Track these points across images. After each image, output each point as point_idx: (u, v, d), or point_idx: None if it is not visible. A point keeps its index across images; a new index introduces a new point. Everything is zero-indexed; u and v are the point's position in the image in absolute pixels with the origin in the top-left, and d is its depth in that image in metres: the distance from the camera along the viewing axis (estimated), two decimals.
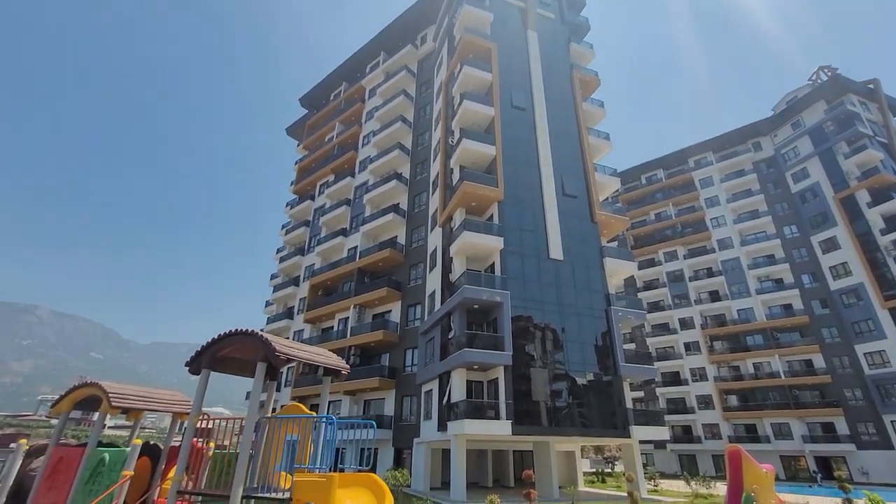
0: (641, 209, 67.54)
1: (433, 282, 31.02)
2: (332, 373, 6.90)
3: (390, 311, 35.91)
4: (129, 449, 6.57)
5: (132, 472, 6.40)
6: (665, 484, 32.80)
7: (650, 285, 62.41)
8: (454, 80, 33.88)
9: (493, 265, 27.62)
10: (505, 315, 24.49)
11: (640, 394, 54.95)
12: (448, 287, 28.17)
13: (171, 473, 7.83)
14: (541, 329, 25.63)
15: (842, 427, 43.11)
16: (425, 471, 25.75)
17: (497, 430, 21.99)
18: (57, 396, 8.34)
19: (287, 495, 5.32)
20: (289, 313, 46.04)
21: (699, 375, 54.38)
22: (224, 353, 6.52)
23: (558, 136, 32.81)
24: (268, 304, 50.74)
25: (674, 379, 56.33)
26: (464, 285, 24.54)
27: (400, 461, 29.69)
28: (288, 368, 41.44)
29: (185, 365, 6.50)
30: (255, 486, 6.23)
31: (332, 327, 39.33)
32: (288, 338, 45.53)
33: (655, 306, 60.26)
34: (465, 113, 30.90)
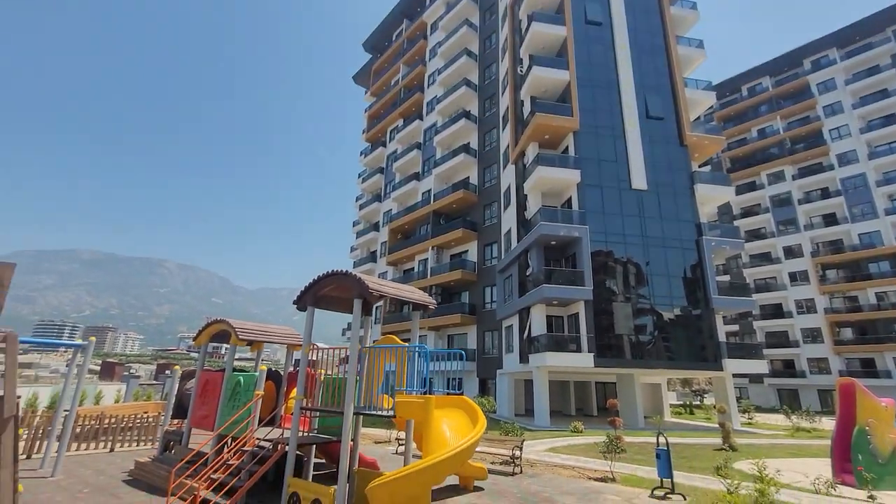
0: (741, 126, 59.63)
1: (508, 220, 30.85)
2: (419, 308, 7.43)
3: (467, 250, 36.64)
4: (257, 374, 7.82)
5: (262, 392, 7.66)
6: (761, 418, 31.56)
7: (749, 212, 56.39)
8: (520, 0, 31.23)
9: (569, 199, 26.66)
10: (584, 250, 23.89)
11: (735, 327, 51.83)
12: (524, 225, 27.89)
13: (292, 394, 9.20)
14: (623, 263, 24.74)
15: None
16: (509, 399, 27.21)
17: (578, 362, 22.33)
18: (191, 334, 9.89)
19: (391, 413, 6.07)
20: (372, 257, 48.88)
21: (806, 307, 49.62)
22: (324, 293, 7.29)
23: (641, 51, 29.43)
24: (352, 249, 54.17)
25: (775, 311, 52.02)
26: (539, 222, 24.13)
27: (485, 390, 31.60)
28: (376, 308, 44.84)
29: (294, 303, 7.41)
30: (362, 405, 7.14)
31: (413, 268, 41.24)
32: None
33: (755, 234, 54.75)
34: (535, 36, 28.67)
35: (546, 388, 23.22)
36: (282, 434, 7.40)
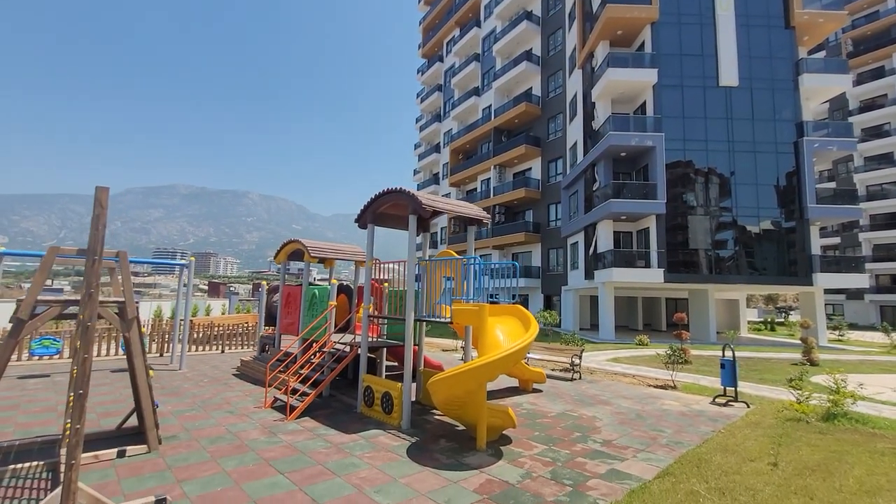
0: None
1: (574, 132, 28.94)
2: (474, 223, 7.54)
3: (530, 168, 35.39)
4: (330, 287, 8.63)
5: (335, 303, 8.49)
6: (855, 336, 29.32)
7: (871, 105, 47.55)
8: None
9: (643, 105, 24.19)
10: (657, 161, 22.05)
11: (836, 240, 46.69)
12: (591, 136, 26.06)
13: (362, 305, 10.07)
14: (703, 173, 22.62)
15: None
16: (574, 314, 27.56)
17: (647, 278, 21.72)
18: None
19: (448, 320, 6.50)
20: (435, 179, 49.00)
21: None
22: (382, 210, 7.61)
23: None
24: (415, 172, 54.52)
25: (889, 221, 45.65)
26: (608, 132, 22.37)
27: (549, 306, 32.17)
28: (441, 227, 45.77)
29: (355, 221, 7.86)
30: (424, 313, 7.67)
31: (476, 189, 40.91)
32: None
33: (875, 132, 46.62)
34: None
35: (611, 303, 23.10)
36: (354, 338, 8.26)
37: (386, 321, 8.48)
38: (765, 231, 22.64)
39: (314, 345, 8.22)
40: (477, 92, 41.50)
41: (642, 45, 24.21)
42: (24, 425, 6.18)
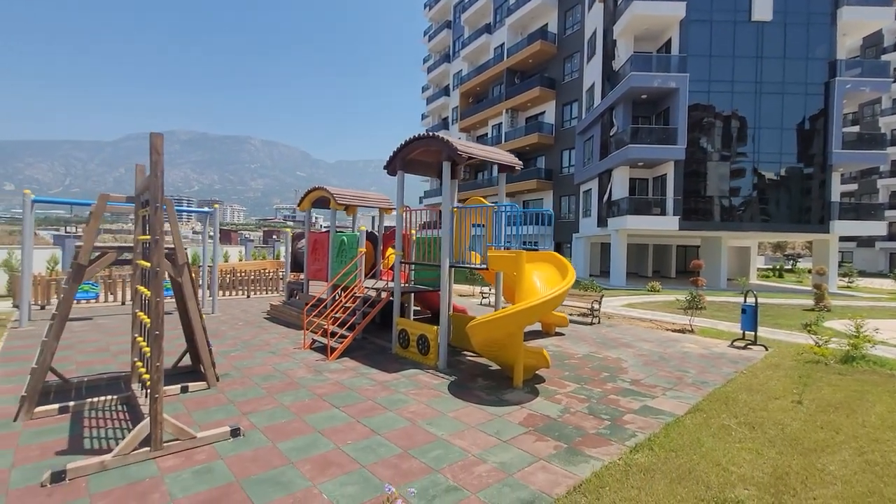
0: None
1: (592, 73, 27.65)
2: (505, 169, 7.45)
3: (544, 112, 34.21)
4: (358, 233, 8.73)
5: (364, 249, 8.63)
6: (864, 282, 29.54)
7: None
8: None
9: (667, 43, 22.90)
10: (680, 103, 21.21)
11: (854, 186, 45.74)
12: (610, 78, 24.93)
13: (388, 252, 10.22)
14: (724, 117, 21.82)
15: None
16: (584, 261, 27.78)
17: (662, 225, 21.64)
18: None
19: (484, 266, 6.60)
20: (444, 124, 47.63)
21: None
22: (412, 157, 7.52)
23: None
24: (423, 116, 52.92)
25: None
26: (630, 72, 21.34)
27: (560, 253, 32.35)
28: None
29: (384, 168, 7.78)
30: (456, 260, 7.80)
31: (486, 134, 39.84)
32: None
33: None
34: None
35: (624, 250, 23.20)
36: (386, 284, 8.46)
37: (414, 267, 8.64)
38: (784, 177, 22.18)
39: (346, 290, 8.45)
40: (489, 29, 39.26)
41: None
42: (83, 363, 6.55)
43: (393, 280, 9.17)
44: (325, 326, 7.36)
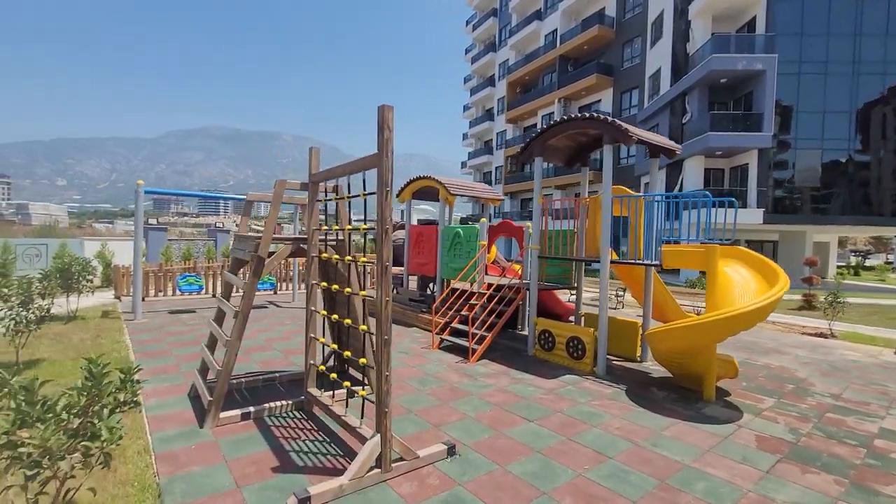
0: None
1: (657, 58, 26.17)
2: (660, 152, 6.68)
3: (599, 100, 32.83)
4: (478, 226, 8.15)
5: (485, 243, 8.05)
6: None
7: None
8: None
9: (750, 23, 21.29)
10: (767, 87, 19.67)
11: None
12: (680, 62, 23.47)
13: (493, 246, 9.62)
14: (820, 99, 20.10)
15: None
16: None
17: (744, 219, 20.20)
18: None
19: (657, 262, 5.86)
20: (489, 115, 46.68)
21: None
22: (552, 142, 6.87)
23: None
24: (466, 108, 52.05)
25: None
26: (710, 55, 19.92)
27: None
28: (496, 167, 44.15)
29: (518, 154, 7.16)
30: (589, 255, 7.11)
31: (535, 125, 38.71)
32: (490, 140, 47.39)
33: None
34: None
35: None
36: (510, 280, 7.83)
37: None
38: (881, 166, 20.34)
39: (471, 287, 7.90)
40: (539, 15, 38.01)
41: None
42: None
43: (518, 276, 8.59)
44: (469, 327, 6.82)
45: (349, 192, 4.57)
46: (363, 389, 3.69)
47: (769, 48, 19.75)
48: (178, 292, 11.26)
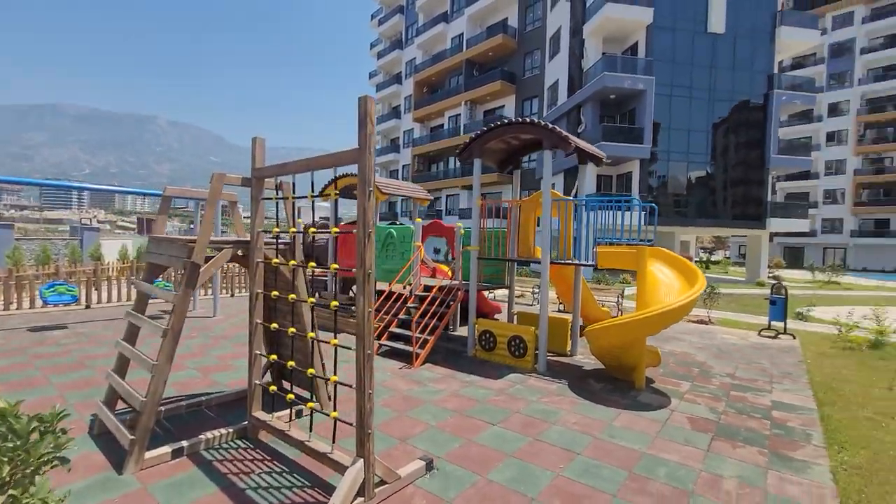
0: None
1: (555, 71, 28.29)
2: (588, 159, 7.15)
3: (503, 106, 34.48)
4: (412, 226, 7.95)
5: (421, 244, 7.89)
6: (780, 273, 33.66)
7: (800, 63, 51.37)
8: None
9: (633, 47, 24.04)
10: (646, 105, 22.41)
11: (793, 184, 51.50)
12: (577, 76, 25.66)
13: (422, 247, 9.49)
14: (685, 119, 23.44)
15: None
16: None
17: (627, 220, 22.71)
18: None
19: (592, 263, 6.26)
20: (395, 113, 46.28)
21: (835, 168, 48.96)
22: (490, 145, 6.97)
23: None
24: None
25: (800, 173, 51.35)
26: (602, 73, 22.10)
27: None
28: (403, 165, 43.95)
29: (457, 154, 7.12)
30: (520, 256, 7.39)
31: (443, 125, 39.34)
32: (396, 138, 47.05)
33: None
34: None
35: None
36: (440, 281, 7.78)
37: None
38: (730, 177, 24.42)
39: (406, 289, 7.68)
40: (445, 18, 38.66)
41: None
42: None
43: (448, 276, 8.57)
44: (413, 332, 6.60)
45: (294, 192, 4.14)
46: (330, 408, 3.33)
47: (648, 71, 22.50)
48: (41, 305, 9.22)
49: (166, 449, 3.50)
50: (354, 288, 10.15)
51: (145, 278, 4.24)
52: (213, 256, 3.78)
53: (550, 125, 6.07)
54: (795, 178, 51.09)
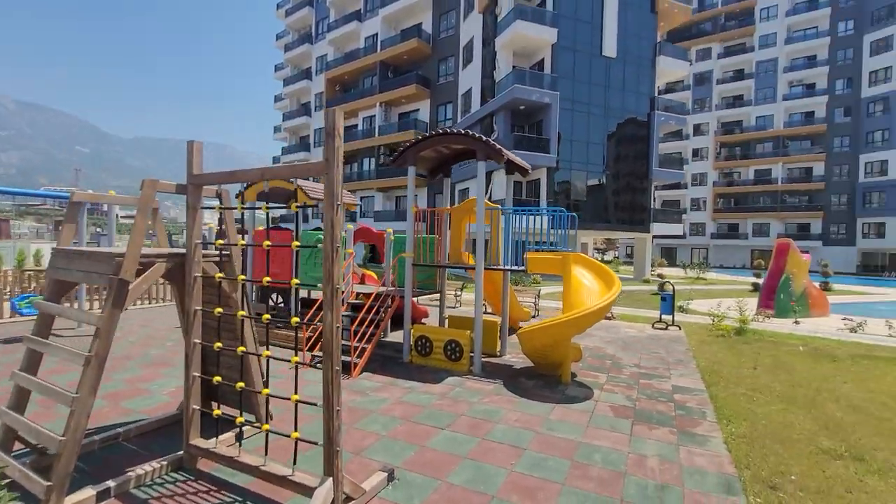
0: None
1: (468, 79, 29.35)
2: (515, 170, 7.61)
3: (418, 110, 34.86)
4: (345, 233, 7.76)
5: (353, 251, 7.74)
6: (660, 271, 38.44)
7: (671, 88, 59.28)
8: None
9: (540, 63, 25.87)
10: (552, 117, 24.27)
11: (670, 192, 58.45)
12: (488, 86, 26.90)
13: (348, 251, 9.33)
14: (584, 132, 25.78)
15: (816, 227, 48.26)
16: None
17: (538, 224, 24.37)
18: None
19: (523, 268, 6.67)
20: (304, 110, 44.33)
21: (699, 180, 57.28)
22: (424, 153, 7.09)
23: None
24: (278, 98, 48.24)
25: (674, 184, 59.27)
26: (513, 85, 23.46)
27: None
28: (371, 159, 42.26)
29: (390, 162, 7.11)
30: (451, 261, 7.66)
31: (357, 126, 38.57)
32: (307, 136, 45.06)
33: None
34: None
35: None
36: (375, 286, 7.74)
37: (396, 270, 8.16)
38: (621, 186, 27.40)
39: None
40: (359, 16, 37.99)
41: (543, 1, 25.44)
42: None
43: (377, 283, 8.51)
44: (351, 341, 6.45)
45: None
46: (290, 430, 3.21)
47: (554, 86, 24.38)
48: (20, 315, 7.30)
49: (89, 492, 3.08)
50: (274, 297, 9.66)
51: (49, 297, 3.66)
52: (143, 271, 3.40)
53: (485, 138, 6.39)
54: (670, 188, 58.81)
